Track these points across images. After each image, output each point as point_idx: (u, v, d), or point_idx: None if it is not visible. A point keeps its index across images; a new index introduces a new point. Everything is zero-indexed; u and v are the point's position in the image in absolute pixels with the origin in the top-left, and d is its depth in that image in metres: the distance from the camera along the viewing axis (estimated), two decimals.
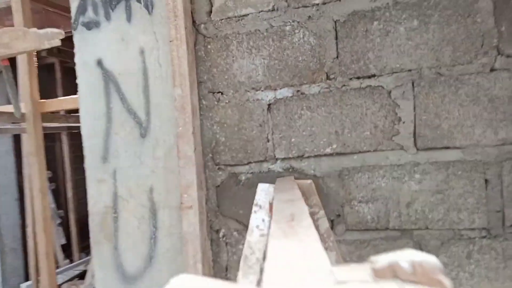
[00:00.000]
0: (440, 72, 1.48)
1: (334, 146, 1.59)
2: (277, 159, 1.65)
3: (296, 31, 1.60)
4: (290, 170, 1.64)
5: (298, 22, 1.59)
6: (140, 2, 1.65)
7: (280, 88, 1.63)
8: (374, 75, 1.54)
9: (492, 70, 1.43)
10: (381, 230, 1.56)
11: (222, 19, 1.67)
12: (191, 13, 1.69)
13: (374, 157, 1.56)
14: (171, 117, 1.65)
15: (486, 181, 1.47)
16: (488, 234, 1.47)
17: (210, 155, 1.72)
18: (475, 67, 1.45)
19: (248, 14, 1.65)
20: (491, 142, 1.45)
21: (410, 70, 1.50)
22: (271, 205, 1.26)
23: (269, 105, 1.65)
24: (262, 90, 1.65)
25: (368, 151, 1.56)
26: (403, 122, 1.52)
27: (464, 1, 1.44)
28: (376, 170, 1.56)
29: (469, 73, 1.45)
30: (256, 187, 1.65)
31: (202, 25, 1.71)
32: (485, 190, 1.47)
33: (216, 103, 1.71)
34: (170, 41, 1.57)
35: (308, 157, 1.62)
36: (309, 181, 1.49)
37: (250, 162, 1.68)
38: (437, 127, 1.49)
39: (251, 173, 1.68)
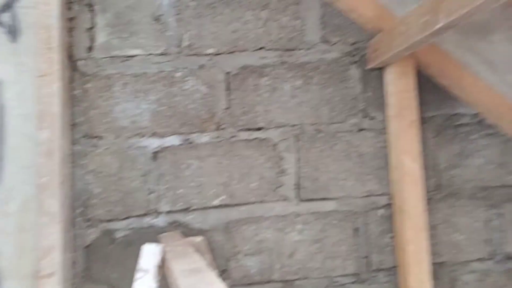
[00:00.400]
0: (319, 129, 1.60)
1: (222, 197, 1.54)
2: (160, 213, 1.51)
3: (188, 78, 1.55)
4: (175, 224, 1.51)
5: (190, 69, 1.55)
6: (2, 26, 1.38)
7: (168, 136, 1.53)
8: (262, 128, 1.57)
9: (360, 130, 1.62)
10: (265, 283, 1.54)
11: (105, 57, 1.51)
12: (69, 47, 1.48)
13: (260, 208, 1.56)
14: (33, 164, 1.36)
15: (355, 229, 1.60)
16: (358, 279, 1.59)
17: (81, 209, 1.47)
18: (347, 126, 1.62)
19: (136, 55, 1.53)
20: (360, 194, 1.61)
21: (294, 125, 1.59)
22: (160, 268, 1.12)
23: (154, 153, 1.52)
24: (147, 137, 1.52)
25: (255, 202, 1.56)
26: (288, 174, 1.58)
27: (339, 67, 1.62)
28: (262, 222, 1.56)
29: (343, 131, 1.61)
30: (135, 245, 1.47)
31: (81, 62, 1.51)
32: (355, 238, 1.60)
33: (92, 149, 1.49)
34: (40, 76, 1.33)
35: (195, 209, 1.52)
36: (200, 237, 1.39)
37: (129, 217, 1.50)
38: (317, 179, 1.59)
39: (130, 229, 1.49)
